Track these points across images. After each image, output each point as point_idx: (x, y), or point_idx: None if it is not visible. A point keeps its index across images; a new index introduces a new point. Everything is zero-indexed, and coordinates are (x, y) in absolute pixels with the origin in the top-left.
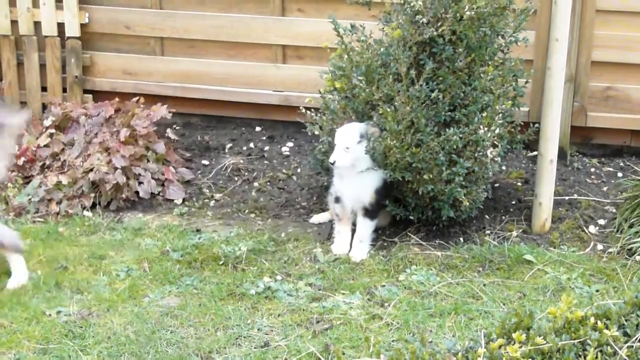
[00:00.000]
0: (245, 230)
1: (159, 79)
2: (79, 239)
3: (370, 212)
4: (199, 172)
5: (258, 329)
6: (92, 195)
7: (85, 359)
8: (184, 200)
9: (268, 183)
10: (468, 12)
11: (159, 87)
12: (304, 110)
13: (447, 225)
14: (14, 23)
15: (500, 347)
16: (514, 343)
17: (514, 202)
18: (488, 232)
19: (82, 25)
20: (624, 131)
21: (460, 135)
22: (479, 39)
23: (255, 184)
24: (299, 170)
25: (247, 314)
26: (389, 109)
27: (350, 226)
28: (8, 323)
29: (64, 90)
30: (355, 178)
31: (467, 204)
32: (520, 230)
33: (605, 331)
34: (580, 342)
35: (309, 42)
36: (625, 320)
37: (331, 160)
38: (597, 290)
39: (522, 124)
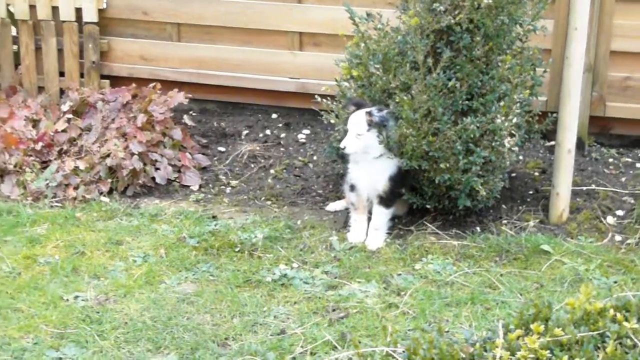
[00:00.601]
0: (261, 218)
1: (175, 65)
2: (96, 224)
3: (385, 200)
4: (215, 158)
5: (274, 317)
6: (109, 180)
7: (103, 344)
8: (200, 186)
9: (284, 170)
10: (486, 0)
11: (175, 73)
12: (319, 99)
13: (464, 215)
14: (32, 8)
15: (518, 338)
16: (533, 334)
17: (531, 192)
18: (505, 221)
19: (100, 11)
20: None
21: (478, 125)
22: (497, 27)
23: (272, 171)
24: (315, 157)
25: (263, 301)
26: (405, 97)
27: (366, 215)
28: (26, 307)
29: (82, 75)
30: (369, 165)
31: (484, 193)
32: (538, 221)
33: (625, 323)
34: (599, 334)
35: (326, 29)
36: None
37: (341, 145)
38: (615, 282)
39: (540, 113)
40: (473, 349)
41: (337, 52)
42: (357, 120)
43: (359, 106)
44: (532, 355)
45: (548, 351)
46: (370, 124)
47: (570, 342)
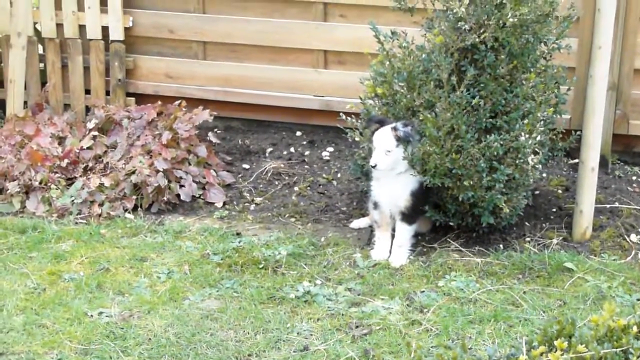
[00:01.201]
0: (285, 234)
1: (200, 83)
2: (121, 240)
3: (407, 217)
4: (240, 175)
5: (297, 333)
6: (134, 197)
7: None
8: (224, 203)
9: (308, 187)
10: (511, 19)
11: (200, 90)
12: (344, 117)
13: (487, 232)
14: (59, 26)
15: (541, 354)
16: (556, 351)
17: (554, 210)
18: (528, 239)
19: (126, 29)
20: None
21: (501, 142)
22: (522, 45)
23: (296, 188)
24: (339, 175)
25: (286, 317)
26: (429, 115)
27: (390, 232)
28: (50, 323)
29: (107, 93)
30: (391, 181)
31: (507, 211)
32: (561, 238)
33: None
34: (622, 350)
35: (351, 47)
36: None
37: (372, 163)
38: (639, 299)
39: (564, 131)
40: None
41: (361, 70)
42: (384, 136)
43: (381, 123)
44: None
45: None
46: (398, 140)
47: (594, 358)
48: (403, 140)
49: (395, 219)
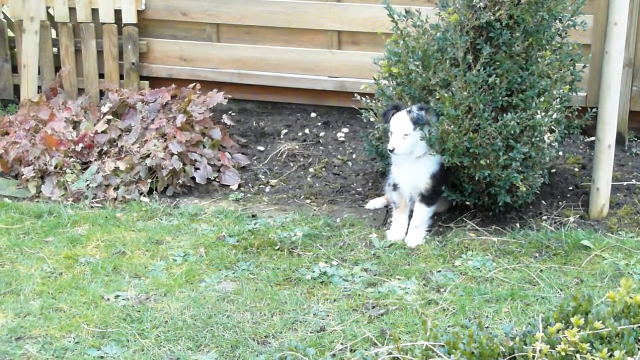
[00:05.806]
0: (301, 216)
1: (214, 66)
2: (136, 224)
3: (427, 199)
4: (255, 157)
5: (314, 314)
6: (149, 180)
7: (143, 342)
8: (239, 185)
9: (323, 169)
10: None
11: (214, 73)
12: (358, 98)
13: (504, 211)
14: (72, 10)
15: (558, 331)
16: (572, 327)
17: (571, 188)
18: (545, 217)
19: (139, 12)
20: None
21: (518, 120)
22: (537, 23)
23: (311, 169)
24: (354, 156)
25: (303, 299)
26: (446, 94)
27: (408, 213)
28: (67, 307)
29: (121, 76)
30: (412, 164)
31: (524, 189)
32: (578, 216)
33: None
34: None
35: (365, 27)
36: None
37: (390, 147)
38: None
39: (580, 108)
40: (513, 343)
41: (375, 50)
42: (402, 120)
43: (397, 109)
44: (572, 349)
45: (588, 344)
46: (415, 122)
47: (611, 335)
48: (419, 123)
49: (415, 200)
